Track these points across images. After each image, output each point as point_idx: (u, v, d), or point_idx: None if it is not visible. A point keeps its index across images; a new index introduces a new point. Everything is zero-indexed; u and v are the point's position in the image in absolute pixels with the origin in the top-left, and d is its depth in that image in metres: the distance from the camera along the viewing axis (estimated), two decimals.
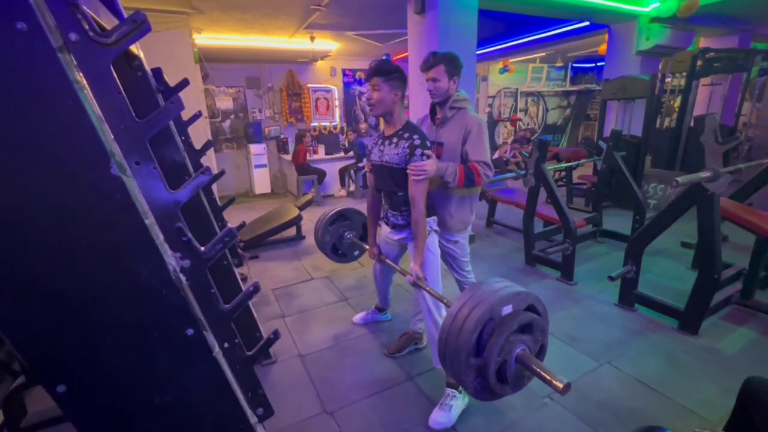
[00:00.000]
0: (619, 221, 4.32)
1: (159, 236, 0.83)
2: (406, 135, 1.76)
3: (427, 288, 1.73)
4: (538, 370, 1.05)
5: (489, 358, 1.05)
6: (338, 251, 2.69)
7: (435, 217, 1.93)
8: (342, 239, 2.65)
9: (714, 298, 2.35)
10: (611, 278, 2.59)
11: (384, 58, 6.98)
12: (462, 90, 1.95)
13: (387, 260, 2.16)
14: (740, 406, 1.23)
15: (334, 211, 2.61)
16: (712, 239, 2.25)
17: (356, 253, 2.74)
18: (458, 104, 1.90)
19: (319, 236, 2.62)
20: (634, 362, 2.15)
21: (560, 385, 0.98)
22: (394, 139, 1.80)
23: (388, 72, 1.71)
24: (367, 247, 2.29)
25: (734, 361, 2.14)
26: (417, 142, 1.73)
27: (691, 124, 5.26)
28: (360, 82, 8.13)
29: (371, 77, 1.72)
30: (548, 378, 1.01)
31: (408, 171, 1.73)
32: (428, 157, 1.72)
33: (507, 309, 1.13)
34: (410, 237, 1.91)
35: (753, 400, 1.19)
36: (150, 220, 0.82)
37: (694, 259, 3.27)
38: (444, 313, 1.81)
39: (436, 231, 1.92)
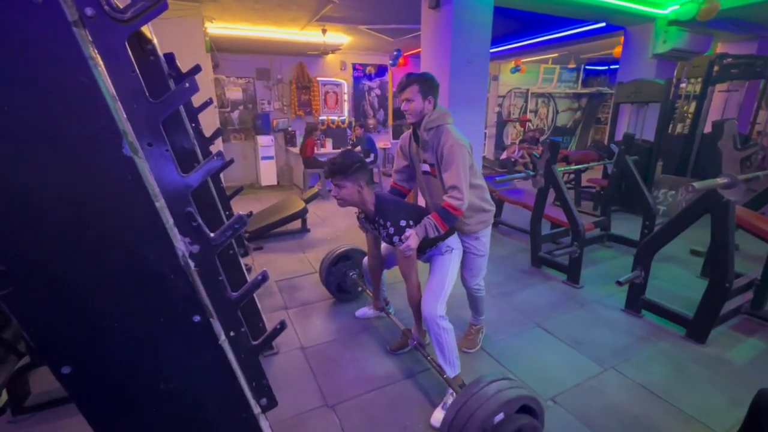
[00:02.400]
0: (627, 226, 4.27)
1: (169, 220, 0.82)
2: (381, 221, 1.85)
3: (429, 357, 1.93)
4: None
5: None
6: (342, 289, 2.86)
7: (454, 236, 1.97)
8: (346, 278, 2.83)
9: (724, 307, 2.31)
10: (619, 283, 2.56)
11: (395, 53, 6.94)
12: (440, 105, 1.90)
13: (391, 316, 2.40)
14: (752, 418, 1.21)
15: (338, 252, 2.81)
16: (726, 247, 2.21)
17: (359, 289, 2.87)
18: (433, 124, 1.84)
19: (323, 276, 2.82)
20: (639, 368, 2.12)
21: None
22: (376, 224, 1.90)
23: (347, 167, 1.79)
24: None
25: (743, 371, 2.11)
26: (391, 230, 1.80)
27: (705, 131, 5.17)
28: (370, 78, 8.09)
29: (333, 177, 1.80)
30: None
31: (397, 254, 1.85)
32: (407, 238, 1.76)
33: (498, 417, 1.28)
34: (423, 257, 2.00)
35: (766, 413, 1.16)
36: (160, 203, 0.80)
37: (704, 268, 3.22)
38: (447, 324, 1.82)
39: (454, 248, 1.96)
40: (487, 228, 2.07)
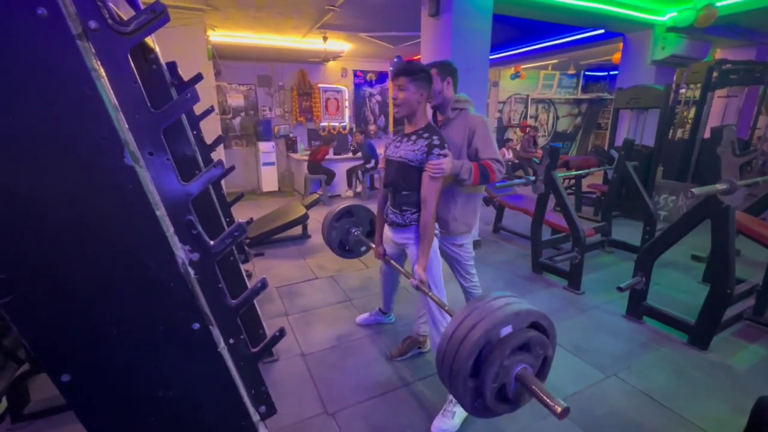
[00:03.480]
0: (628, 231, 4.27)
1: (169, 228, 0.83)
2: (425, 135, 1.77)
3: (430, 293, 1.71)
4: (538, 391, 1.02)
5: (485, 382, 1.04)
6: (345, 247, 2.69)
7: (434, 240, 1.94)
8: (348, 235, 2.65)
9: (725, 313, 2.30)
10: (620, 289, 2.55)
11: (396, 60, 7.00)
12: (462, 93, 1.98)
13: (391, 261, 2.14)
14: (753, 426, 1.20)
15: (341, 207, 2.61)
16: (726, 253, 2.20)
17: (363, 249, 2.72)
18: (459, 105, 1.93)
19: (326, 232, 2.62)
20: (641, 375, 2.11)
21: (559, 409, 0.95)
22: (413, 137, 1.80)
23: (415, 72, 1.71)
24: (373, 245, 2.28)
25: (745, 378, 2.09)
26: (436, 141, 1.74)
27: (705, 137, 5.19)
28: (370, 84, 8.14)
29: (397, 77, 1.72)
30: (547, 401, 0.98)
31: (426, 168, 1.73)
32: (445, 156, 1.72)
33: (506, 330, 1.09)
34: (411, 240, 1.91)
35: (766, 421, 1.16)
36: (161, 212, 0.81)
37: (705, 273, 3.21)
38: (448, 318, 1.80)
39: (436, 235, 1.91)
40: (469, 236, 2.09)
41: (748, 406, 1.22)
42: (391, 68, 6.88)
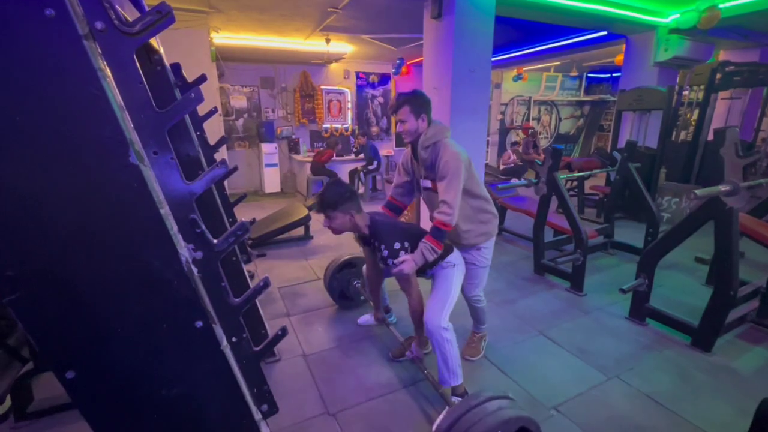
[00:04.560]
0: (630, 233, 4.25)
1: (173, 227, 0.83)
2: (376, 243, 1.87)
3: (426, 372, 1.90)
4: None
5: None
6: (346, 296, 2.89)
7: (455, 253, 1.95)
8: (349, 285, 2.85)
9: (729, 315, 2.29)
10: (623, 291, 2.54)
11: (398, 62, 7.01)
12: (435, 120, 1.91)
13: (391, 327, 2.38)
14: (757, 429, 1.19)
15: (343, 259, 2.82)
16: (730, 255, 2.19)
17: (362, 298, 2.88)
18: (430, 141, 1.85)
19: (327, 282, 2.85)
20: (644, 378, 2.10)
21: None
22: (373, 246, 1.91)
23: (339, 203, 1.80)
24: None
25: (749, 381, 2.08)
26: (385, 253, 1.82)
27: (709, 138, 5.17)
28: (373, 86, 8.16)
29: (324, 210, 1.82)
30: None
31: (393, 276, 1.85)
32: (402, 262, 1.77)
33: None
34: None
35: None
36: (165, 210, 0.82)
37: (709, 275, 3.19)
38: (450, 335, 1.80)
39: (456, 264, 1.94)
40: (490, 240, 2.07)
41: (752, 408, 1.22)
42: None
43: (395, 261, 1.78)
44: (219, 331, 0.93)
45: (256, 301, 2.28)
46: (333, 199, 1.79)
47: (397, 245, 1.81)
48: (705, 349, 2.30)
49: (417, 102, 1.85)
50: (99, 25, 0.72)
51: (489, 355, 2.31)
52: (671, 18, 4.97)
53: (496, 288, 3.15)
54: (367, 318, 2.66)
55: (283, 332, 1.08)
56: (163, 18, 0.75)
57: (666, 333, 2.51)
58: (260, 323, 2.23)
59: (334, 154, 6.65)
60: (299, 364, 2.26)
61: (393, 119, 8.35)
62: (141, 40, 0.76)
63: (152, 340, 0.87)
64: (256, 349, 1.07)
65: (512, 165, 6.83)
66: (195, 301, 0.87)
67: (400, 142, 8.50)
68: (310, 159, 6.57)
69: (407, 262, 1.76)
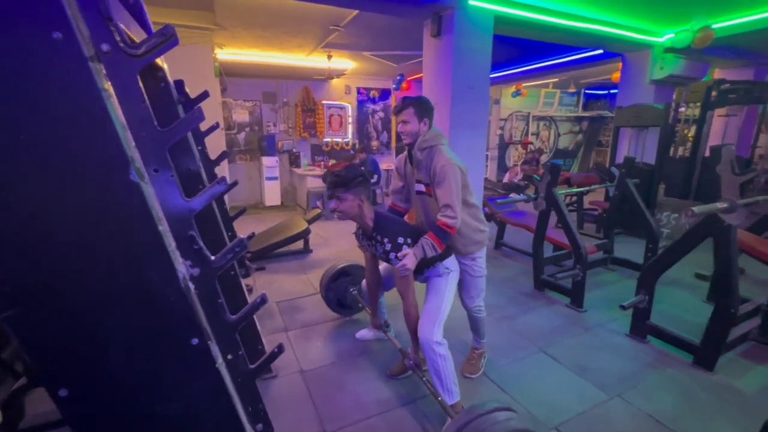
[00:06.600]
0: (630, 249, 4.24)
1: (171, 243, 0.84)
2: (378, 237, 1.85)
3: (425, 378, 1.87)
4: None
5: None
6: (343, 305, 2.88)
7: (452, 258, 1.97)
8: (346, 293, 2.85)
9: (731, 333, 2.27)
10: (623, 307, 2.52)
11: (398, 78, 7.13)
12: (435, 127, 1.97)
13: (388, 334, 2.38)
14: None
15: (338, 268, 2.83)
16: (729, 272, 2.19)
17: (360, 305, 2.86)
18: (427, 144, 1.90)
19: (323, 292, 2.84)
20: (646, 396, 2.07)
21: None
22: (373, 241, 1.90)
23: (352, 179, 1.80)
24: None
25: (753, 401, 2.05)
26: (388, 246, 1.81)
27: (706, 155, 5.21)
28: (374, 101, 8.28)
29: (335, 188, 1.81)
30: None
31: (394, 271, 1.85)
32: (405, 256, 1.77)
33: None
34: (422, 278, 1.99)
35: None
36: (164, 227, 0.82)
37: (710, 292, 3.17)
38: (444, 350, 1.80)
39: (452, 270, 1.96)
40: (482, 249, 2.09)
41: (756, 429, 1.20)
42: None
43: (398, 255, 1.77)
44: (215, 348, 0.92)
45: (254, 316, 2.26)
46: (349, 177, 1.78)
47: (401, 240, 1.80)
48: (707, 367, 2.27)
49: (422, 106, 1.91)
50: (105, 47, 0.74)
51: (489, 373, 2.28)
52: (666, 37, 5.07)
53: (496, 303, 3.13)
54: (365, 333, 2.64)
55: (280, 350, 1.07)
56: (167, 41, 0.77)
57: (667, 351, 2.48)
58: (257, 339, 2.21)
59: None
60: (296, 380, 2.23)
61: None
62: (145, 61, 0.78)
63: (147, 357, 0.86)
64: (252, 366, 1.06)
65: (516, 182, 6.83)
66: (191, 318, 0.87)
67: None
68: (311, 173, 6.61)
69: (408, 255, 1.76)
